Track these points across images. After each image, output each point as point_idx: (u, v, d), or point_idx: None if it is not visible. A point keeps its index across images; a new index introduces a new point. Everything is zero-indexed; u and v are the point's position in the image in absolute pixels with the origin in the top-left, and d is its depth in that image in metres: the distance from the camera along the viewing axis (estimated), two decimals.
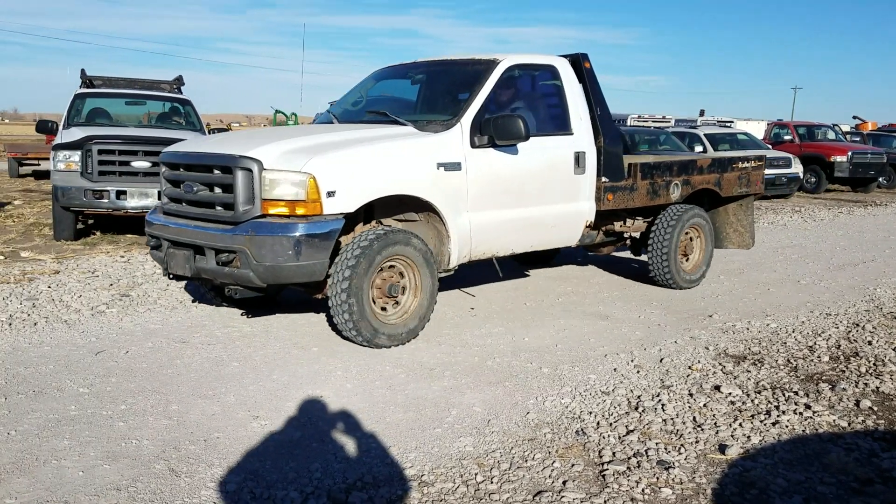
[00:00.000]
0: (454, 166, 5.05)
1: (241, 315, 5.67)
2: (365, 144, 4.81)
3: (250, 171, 4.53)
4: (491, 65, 5.52)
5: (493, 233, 5.38)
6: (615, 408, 3.98)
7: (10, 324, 5.32)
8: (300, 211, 4.51)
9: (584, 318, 5.88)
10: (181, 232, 4.87)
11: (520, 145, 5.33)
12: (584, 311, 6.13)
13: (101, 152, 8.47)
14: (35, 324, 5.34)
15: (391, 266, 4.93)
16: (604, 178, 6.06)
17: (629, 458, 3.37)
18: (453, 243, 5.17)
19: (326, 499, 2.98)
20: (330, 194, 4.53)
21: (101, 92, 10.50)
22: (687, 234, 6.92)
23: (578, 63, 6.05)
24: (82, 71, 10.63)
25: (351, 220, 4.87)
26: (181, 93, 11.08)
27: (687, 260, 7.02)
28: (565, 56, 6.14)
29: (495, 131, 5.07)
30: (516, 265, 7.89)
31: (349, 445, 3.47)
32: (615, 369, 4.62)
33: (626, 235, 6.99)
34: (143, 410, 3.81)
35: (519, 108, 5.80)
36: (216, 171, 4.76)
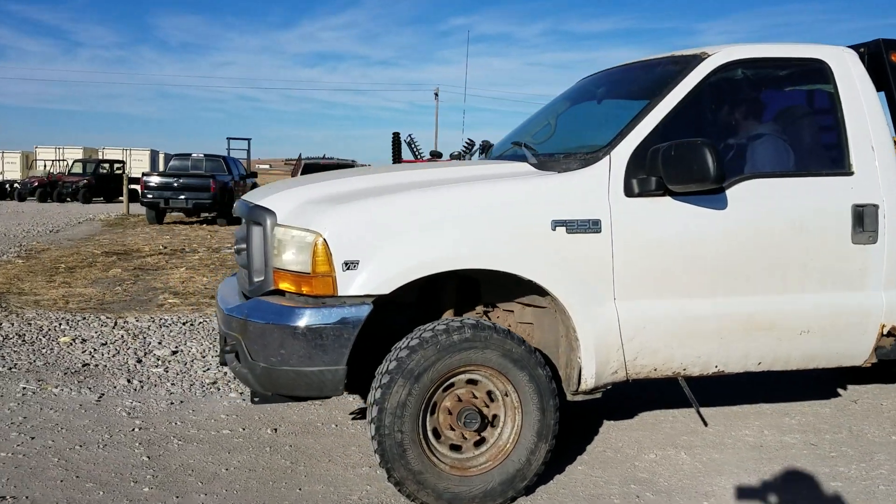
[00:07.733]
0: (588, 225, 3.15)
1: None
2: (417, 191, 3.18)
3: (262, 226, 3.20)
4: (690, 63, 3.43)
5: (670, 336, 3.29)
6: None
7: None
8: (304, 289, 3.04)
9: None
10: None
11: (731, 193, 3.27)
12: None
13: None
14: None
15: (470, 381, 3.14)
16: None
17: None
18: (584, 349, 3.17)
19: None
20: (349, 266, 2.97)
21: None
22: None
23: (879, 56, 3.71)
24: None
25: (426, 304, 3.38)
26: None
27: None
28: (859, 46, 3.84)
29: (663, 169, 3.07)
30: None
31: None
32: None
33: None
34: None
35: (739, 132, 3.66)
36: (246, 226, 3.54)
